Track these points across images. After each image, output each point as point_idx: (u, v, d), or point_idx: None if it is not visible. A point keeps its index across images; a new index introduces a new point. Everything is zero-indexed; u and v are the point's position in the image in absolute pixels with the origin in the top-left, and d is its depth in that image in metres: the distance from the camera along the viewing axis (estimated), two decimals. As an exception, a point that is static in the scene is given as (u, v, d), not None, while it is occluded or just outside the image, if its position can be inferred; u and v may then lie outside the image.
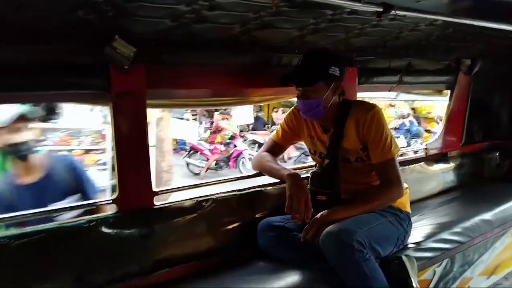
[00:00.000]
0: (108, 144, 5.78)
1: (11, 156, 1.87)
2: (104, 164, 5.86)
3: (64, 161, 2.05)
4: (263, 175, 2.15)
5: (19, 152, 1.85)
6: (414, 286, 1.77)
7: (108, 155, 5.78)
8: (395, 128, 11.59)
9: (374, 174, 1.98)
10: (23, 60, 1.47)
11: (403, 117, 12.24)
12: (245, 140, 10.64)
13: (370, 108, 1.92)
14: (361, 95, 2.52)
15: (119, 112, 1.67)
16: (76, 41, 1.55)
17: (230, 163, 9.68)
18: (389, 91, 2.79)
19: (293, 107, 2.13)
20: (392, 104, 12.92)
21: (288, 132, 2.16)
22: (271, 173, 2.09)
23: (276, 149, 2.19)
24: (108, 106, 1.69)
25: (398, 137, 10.62)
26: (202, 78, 1.90)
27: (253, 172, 2.20)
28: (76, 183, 1.99)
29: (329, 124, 1.98)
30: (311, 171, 2.05)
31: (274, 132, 2.23)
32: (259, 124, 12.25)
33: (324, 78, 1.86)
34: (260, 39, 1.90)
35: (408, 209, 2.06)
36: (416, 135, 11.52)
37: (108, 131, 5.70)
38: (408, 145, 10.45)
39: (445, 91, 3.26)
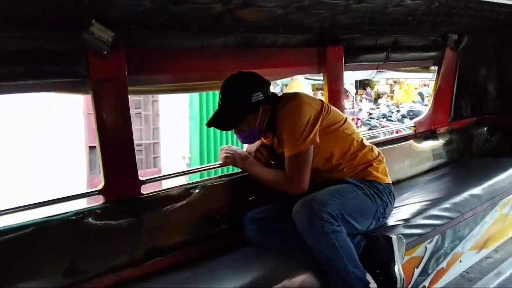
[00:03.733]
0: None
1: None
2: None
3: None
4: None
5: None
6: (396, 271, 1.75)
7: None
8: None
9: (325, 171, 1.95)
10: None
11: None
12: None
13: (286, 104, 1.85)
14: (348, 74, 2.50)
15: (101, 100, 1.62)
16: (52, 27, 1.49)
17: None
18: (376, 69, 2.77)
19: None
20: (426, 84, 13.12)
21: None
22: None
23: None
24: (89, 94, 1.64)
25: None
26: (184, 62, 1.85)
27: None
28: None
29: (269, 132, 1.96)
30: None
31: None
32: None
33: (250, 110, 1.81)
34: (242, 19, 1.85)
35: (387, 180, 2.01)
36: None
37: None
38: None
39: (432, 67, 3.24)
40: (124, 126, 1.69)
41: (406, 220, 2.11)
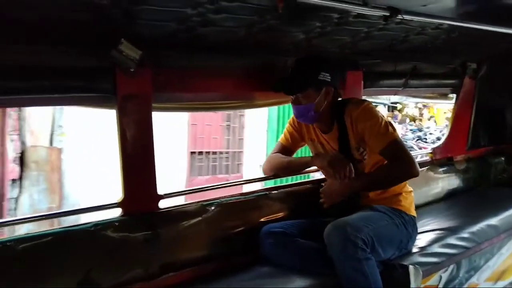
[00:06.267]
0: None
1: None
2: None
3: None
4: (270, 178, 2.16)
5: None
6: None
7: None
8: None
9: None
10: (28, 62, 1.47)
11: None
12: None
13: (361, 103, 1.94)
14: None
15: (125, 115, 1.67)
16: (83, 44, 1.55)
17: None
18: (394, 94, 2.79)
19: None
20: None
21: (295, 135, 2.15)
22: (292, 165, 2.12)
23: (285, 153, 2.17)
24: (113, 109, 1.68)
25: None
26: (207, 82, 1.90)
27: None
28: None
29: (326, 126, 2.00)
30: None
31: (282, 135, 2.22)
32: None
33: (314, 84, 1.88)
34: (265, 42, 1.90)
35: (413, 213, 2.05)
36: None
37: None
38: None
39: (450, 95, 3.24)
40: (146, 141, 1.73)
41: (422, 248, 2.10)
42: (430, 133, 12.27)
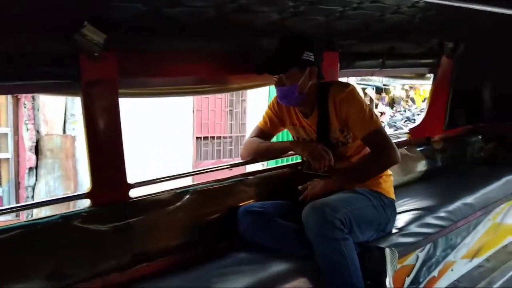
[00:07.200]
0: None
1: None
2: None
3: None
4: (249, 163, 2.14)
5: None
6: (387, 285, 1.76)
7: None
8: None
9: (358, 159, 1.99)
10: None
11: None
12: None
13: (346, 87, 1.92)
14: (343, 80, 2.48)
15: (90, 102, 1.60)
16: (43, 28, 1.47)
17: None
18: (371, 75, 2.76)
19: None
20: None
21: (274, 119, 2.13)
22: (271, 150, 2.11)
23: (263, 137, 2.15)
24: (78, 96, 1.62)
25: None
26: (177, 65, 1.83)
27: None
28: None
29: (308, 109, 1.97)
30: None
31: (261, 119, 2.19)
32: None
33: (298, 64, 1.85)
34: (237, 23, 1.84)
35: (393, 196, 2.06)
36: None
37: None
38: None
39: (428, 75, 3.24)
40: (113, 129, 1.67)
41: (399, 229, 2.11)
42: (418, 114, 12.64)
